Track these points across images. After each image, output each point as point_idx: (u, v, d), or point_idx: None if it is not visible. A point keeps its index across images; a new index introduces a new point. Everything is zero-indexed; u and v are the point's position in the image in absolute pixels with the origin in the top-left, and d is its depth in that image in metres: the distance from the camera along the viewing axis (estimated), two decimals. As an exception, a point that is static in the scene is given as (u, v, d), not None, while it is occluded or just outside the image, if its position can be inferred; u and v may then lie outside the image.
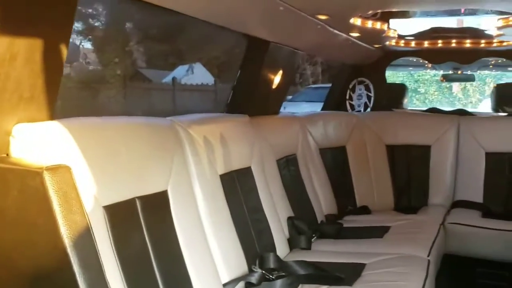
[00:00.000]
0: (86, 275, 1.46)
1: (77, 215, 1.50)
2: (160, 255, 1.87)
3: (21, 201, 1.50)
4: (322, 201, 3.61)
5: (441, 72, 6.29)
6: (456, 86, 15.65)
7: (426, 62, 5.27)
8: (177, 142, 2.19)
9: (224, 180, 2.47)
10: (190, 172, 2.23)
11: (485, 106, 11.47)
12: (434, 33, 3.88)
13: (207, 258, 2.15)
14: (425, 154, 4.19)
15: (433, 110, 4.77)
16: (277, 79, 3.41)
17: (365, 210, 3.95)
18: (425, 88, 18.14)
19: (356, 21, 3.01)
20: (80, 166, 1.62)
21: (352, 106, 4.79)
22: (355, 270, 2.58)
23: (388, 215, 3.84)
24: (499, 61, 5.26)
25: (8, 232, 1.52)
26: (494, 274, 3.49)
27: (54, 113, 1.70)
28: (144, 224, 1.85)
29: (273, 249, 2.73)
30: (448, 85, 17.19)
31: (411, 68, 8.68)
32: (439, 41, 4.16)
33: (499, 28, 3.27)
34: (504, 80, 9.27)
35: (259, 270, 2.40)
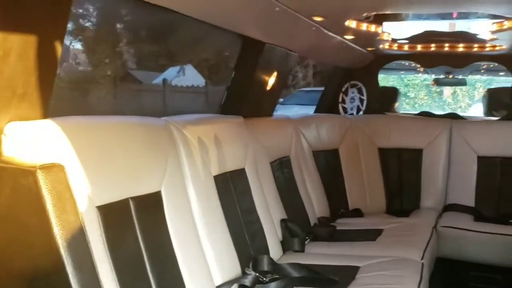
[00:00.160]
0: (80, 276, 1.43)
1: (71, 215, 1.47)
2: (154, 256, 1.84)
3: (13, 200, 1.47)
4: (315, 203, 3.60)
5: (433, 76, 6.32)
6: (447, 91, 15.76)
7: (418, 66, 5.29)
8: (171, 142, 2.16)
9: (218, 181, 2.45)
10: (184, 173, 2.20)
11: (475, 111, 11.55)
12: (427, 36, 3.88)
13: (200, 260, 2.13)
14: (417, 158, 4.19)
15: (425, 114, 4.80)
16: (271, 80, 3.40)
17: (357, 213, 3.94)
18: (415, 93, 18.24)
19: (351, 23, 3.01)
20: (73, 165, 1.59)
21: (344, 109, 4.79)
22: (349, 273, 2.56)
23: (381, 218, 3.84)
24: (491, 65, 5.29)
25: (-1, 232, 1.49)
26: (487, 278, 3.49)
27: (48, 111, 1.67)
28: (137, 225, 1.82)
29: (266, 251, 2.71)
30: (438, 90, 17.30)
31: (403, 72, 8.73)
32: (432, 45, 4.17)
33: (493, 32, 3.28)
34: (494, 85, 9.35)
35: (253, 273, 2.38)
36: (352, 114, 4.74)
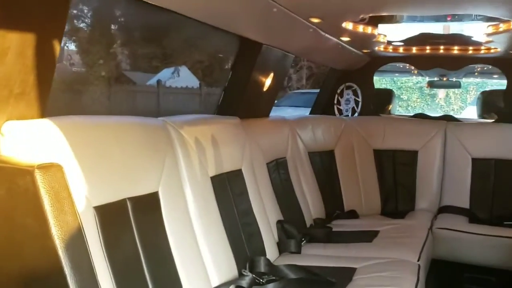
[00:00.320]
0: (78, 277, 1.41)
1: (69, 216, 1.45)
2: (151, 257, 1.83)
3: (9, 201, 1.45)
4: (311, 205, 3.59)
5: (427, 79, 6.34)
6: (442, 93, 15.82)
7: (413, 68, 5.30)
8: (169, 143, 2.15)
9: (215, 182, 2.44)
10: (181, 173, 2.19)
11: (468, 114, 11.60)
12: (423, 39, 3.89)
13: (197, 261, 2.12)
14: (412, 159, 4.20)
15: (420, 116, 4.80)
16: (268, 81, 3.39)
17: (353, 215, 3.94)
18: (408, 95, 18.31)
19: (348, 25, 3.01)
20: (70, 165, 1.57)
21: (340, 111, 4.79)
22: (346, 275, 2.56)
23: (376, 219, 3.84)
24: (485, 68, 5.32)
25: (-5, 232, 1.47)
26: (481, 279, 3.50)
27: (46, 111, 1.65)
28: (134, 225, 1.81)
29: (263, 252, 2.70)
30: (431, 92, 17.37)
31: (397, 74, 8.75)
32: (427, 47, 4.18)
33: (488, 35, 3.30)
34: (487, 88, 9.40)
35: (250, 274, 2.37)
36: (347, 115, 4.74)
